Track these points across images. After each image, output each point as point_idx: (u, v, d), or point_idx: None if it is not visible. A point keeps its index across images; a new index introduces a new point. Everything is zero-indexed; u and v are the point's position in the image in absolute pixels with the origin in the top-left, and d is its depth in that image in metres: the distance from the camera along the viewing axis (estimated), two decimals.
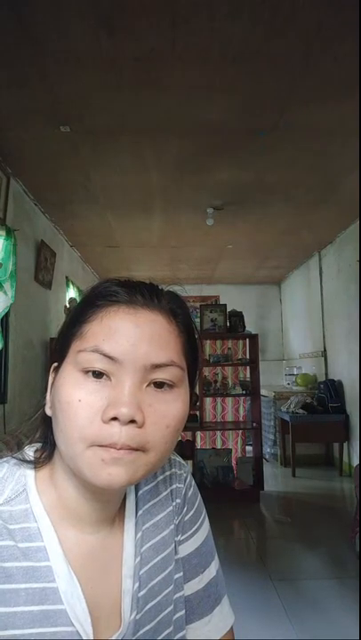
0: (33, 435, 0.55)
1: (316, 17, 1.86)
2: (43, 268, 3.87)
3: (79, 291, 4.98)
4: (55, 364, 0.51)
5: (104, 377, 0.45)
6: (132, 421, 0.43)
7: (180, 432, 0.48)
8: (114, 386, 0.45)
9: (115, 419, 0.43)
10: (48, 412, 0.50)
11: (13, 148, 2.88)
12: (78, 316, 0.49)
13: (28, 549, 0.46)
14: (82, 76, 2.20)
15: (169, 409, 0.46)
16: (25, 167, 3.14)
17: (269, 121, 2.61)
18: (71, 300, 4.48)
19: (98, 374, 0.45)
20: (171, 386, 0.47)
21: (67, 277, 4.77)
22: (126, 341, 0.45)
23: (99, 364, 0.45)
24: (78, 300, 0.52)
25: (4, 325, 3.03)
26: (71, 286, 4.86)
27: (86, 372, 0.45)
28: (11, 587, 0.44)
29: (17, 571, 0.45)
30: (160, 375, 0.46)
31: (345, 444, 4.61)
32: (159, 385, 0.46)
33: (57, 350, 0.51)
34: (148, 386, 0.46)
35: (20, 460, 0.52)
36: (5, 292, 2.89)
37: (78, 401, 0.44)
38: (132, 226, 4.36)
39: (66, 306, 4.43)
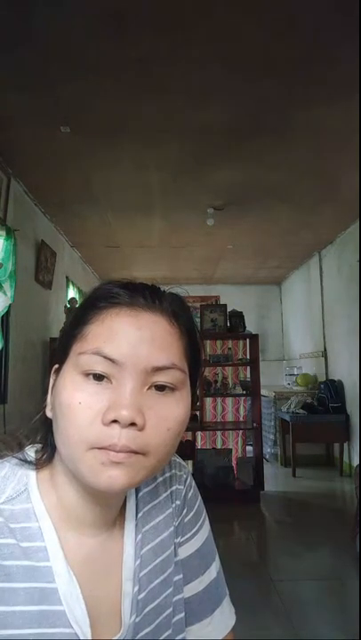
0: (34, 437, 0.55)
1: (317, 18, 1.86)
2: (43, 268, 3.88)
3: (79, 291, 4.98)
4: (56, 366, 0.50)
5: (105, 380, 0.44)
6: (133, 424, 0.42)
7: (181, 435, 0.48)
8: (115, 388, 0.44)
9: (115, 421, 0.42)
10: (49, 414, 0.50)
11: (14, 148, 2.88)
12: (79, 317, 0.49)
13: (28, 549, 0.46)
14: (82, 76, 2.20)
15: (170, 412, 0.46)
16: (25, 168, 3.14)
17: (270, 121, 2.61)
18: (71, 300, 4.48)
19: (99, 377, 0.44)
20: (172, 389, 0.46)
21: (67, 277, 4.77)
22: (127, 344, 0.44)
23: (100, 366, 0.44)
24: (79, 300, 0.51)
25: (4, 325, 3.03)
26: (71, 286, 4.86)
27: (87, 374, 0.45)
28: (10, 585, 0.44)
29: (17, 569, 0.45)
30: (161, 378, 0.46)
31: (345, 445, 4.61)
32: (160, 388, 0.46)
33: (58, 352, 0.50)
34: (149, 389, 0.45)
35: (21, 460, 0.52)
36: (5, 292, 2.89)
37: (79, 403, 0.44)
38: (132, 226, 4.36)
39: (66, 306, 4.42)
